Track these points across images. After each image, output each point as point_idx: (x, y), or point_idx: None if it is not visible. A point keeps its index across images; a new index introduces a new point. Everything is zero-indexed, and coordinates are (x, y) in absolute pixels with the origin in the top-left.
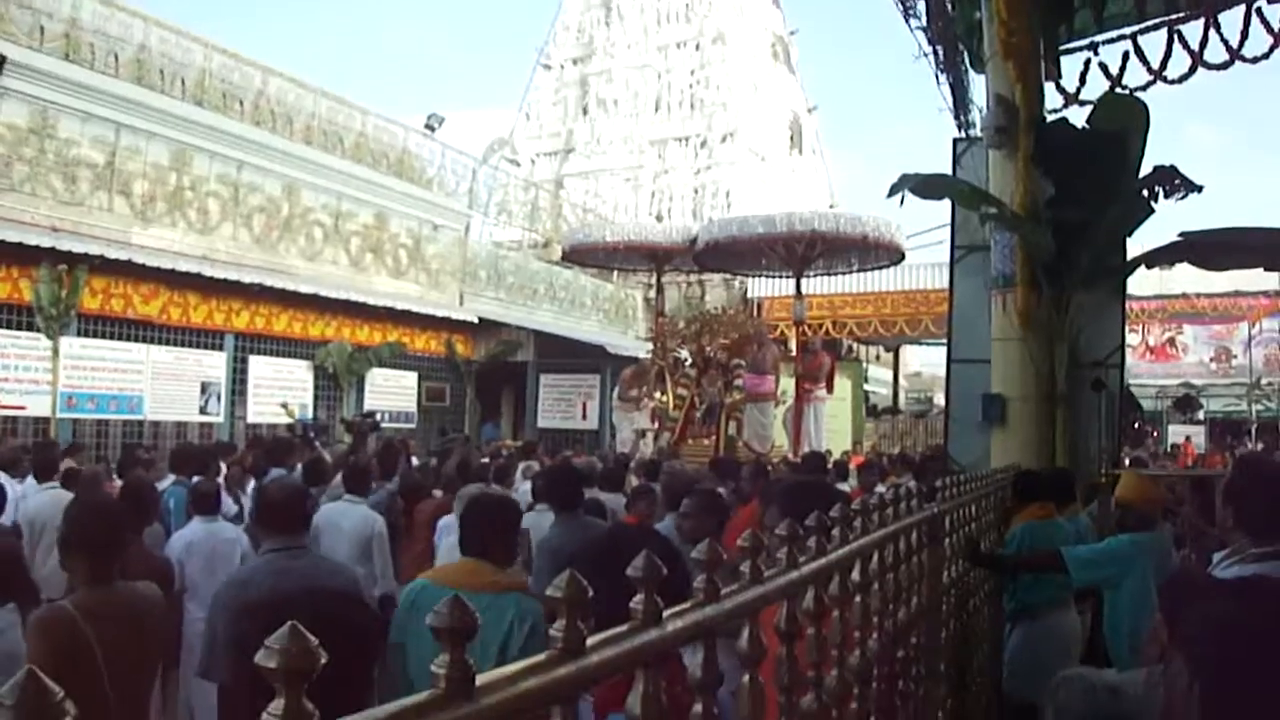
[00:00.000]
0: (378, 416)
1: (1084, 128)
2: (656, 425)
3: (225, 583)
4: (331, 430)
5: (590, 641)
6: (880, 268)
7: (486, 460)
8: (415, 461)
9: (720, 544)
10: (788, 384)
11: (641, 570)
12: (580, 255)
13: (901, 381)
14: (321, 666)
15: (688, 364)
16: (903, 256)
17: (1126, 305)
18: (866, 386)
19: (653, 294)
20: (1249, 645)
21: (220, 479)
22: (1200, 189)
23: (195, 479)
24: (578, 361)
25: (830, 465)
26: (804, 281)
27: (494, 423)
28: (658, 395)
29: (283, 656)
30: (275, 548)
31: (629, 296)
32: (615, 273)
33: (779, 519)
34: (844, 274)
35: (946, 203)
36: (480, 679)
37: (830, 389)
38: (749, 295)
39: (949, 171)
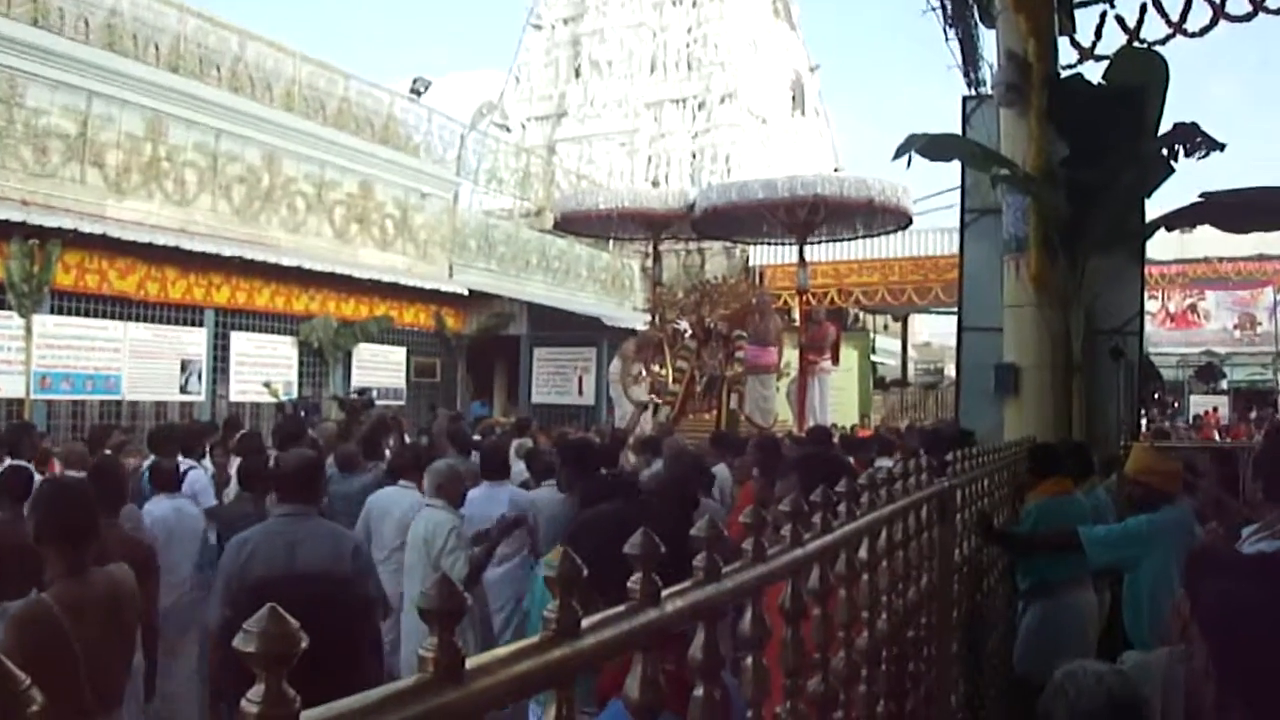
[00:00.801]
0: (372, 394)
1: (1100, 84)
2: (656, 398)
3: (230, 543)
4: (320, 409)
5: (586, 623)
6: (887, 233)
7: (478, 437)
8: (406, 439)
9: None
10: (791, 356)
11: (639, 548)
12: (574, 223)
13: (910, 352)
14: (303, 650)
15: (687, 335)
16: (910, 221)
17: (1145, 270)
18: (874, 358)
19: (650, 263)
20: (1271, 626)
21: (206, 460)
22: (1222, 147)
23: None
24: (573, 334)
25: (836, 439)
26: (807, 249)
27: (483, 400)
28: (655, 368)
29: (261, 640)
30: (284, 513)
31: (625, 266)
32: (611, 241)
33: (794, 490)
34: (849, 240)
35: (956, 165)
36: (471, 662)
37: (836, 360)
38: (750, 264)
39: (959, 132)
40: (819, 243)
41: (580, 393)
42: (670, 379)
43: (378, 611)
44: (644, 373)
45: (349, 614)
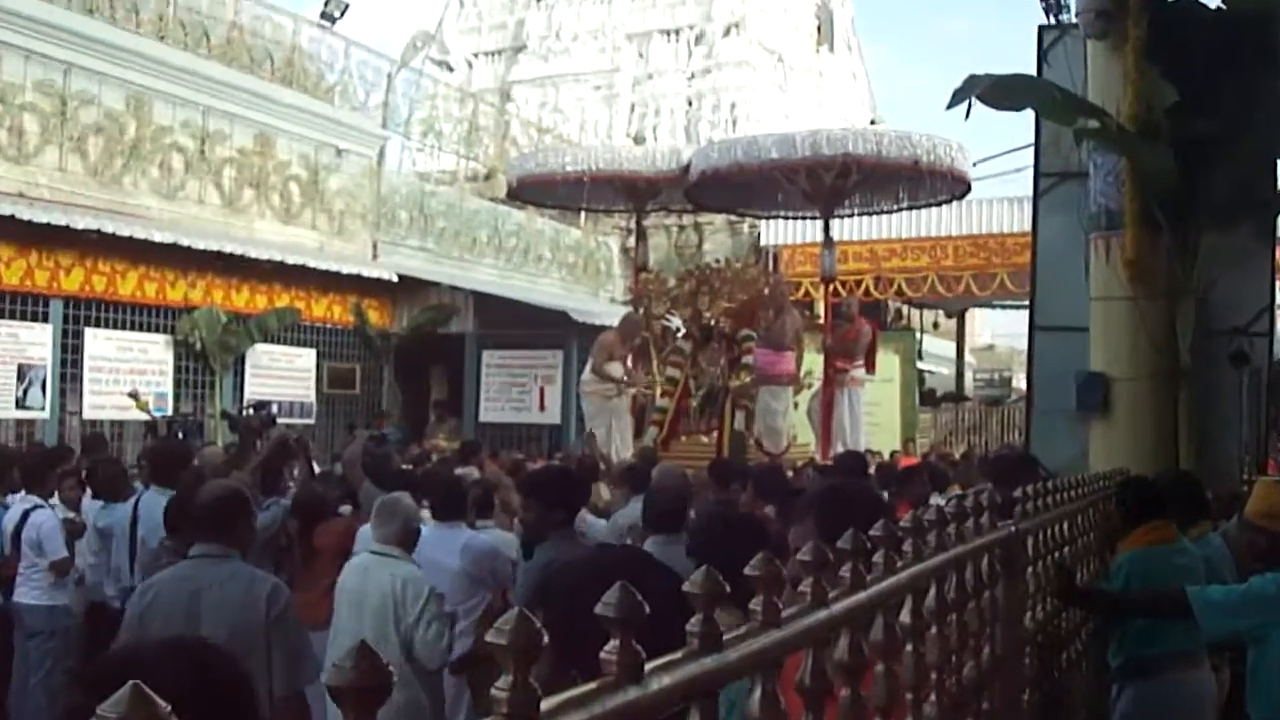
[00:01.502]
0: (273, 409)
1: (1218, 9)
2: (641, 388)
3: (138, 588)
4: (203, 428)
5: (546, 705)
6: (938, 204)
7: (409, 466)
8: (316, 469)
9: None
10: (814, 362)
11: (615, 608)
12: (535, 190)
13: (968, 358)
14: None
15: (679, 335)
16: (968, 189)
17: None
18: (921, 365)
19: (632, 242)
20: None
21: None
22: None
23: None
24: (533, 333)
25: (872, 469)
26: (835, 224)
27: (399, 425)
28: (639, 374)
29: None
30: (197, 554)
31: (601, 246)
32: (583, 214)
33: (811, 536)
34: (889, 213)
35: (1028, 115)
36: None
37: (871, 368)
38: (761, 243)
39: (1033, 72)
40: (851, 216)
41: (542, 407)
42: (658, 391)
43: (265, 684)
44: (628, 380)
45: (209, 692)
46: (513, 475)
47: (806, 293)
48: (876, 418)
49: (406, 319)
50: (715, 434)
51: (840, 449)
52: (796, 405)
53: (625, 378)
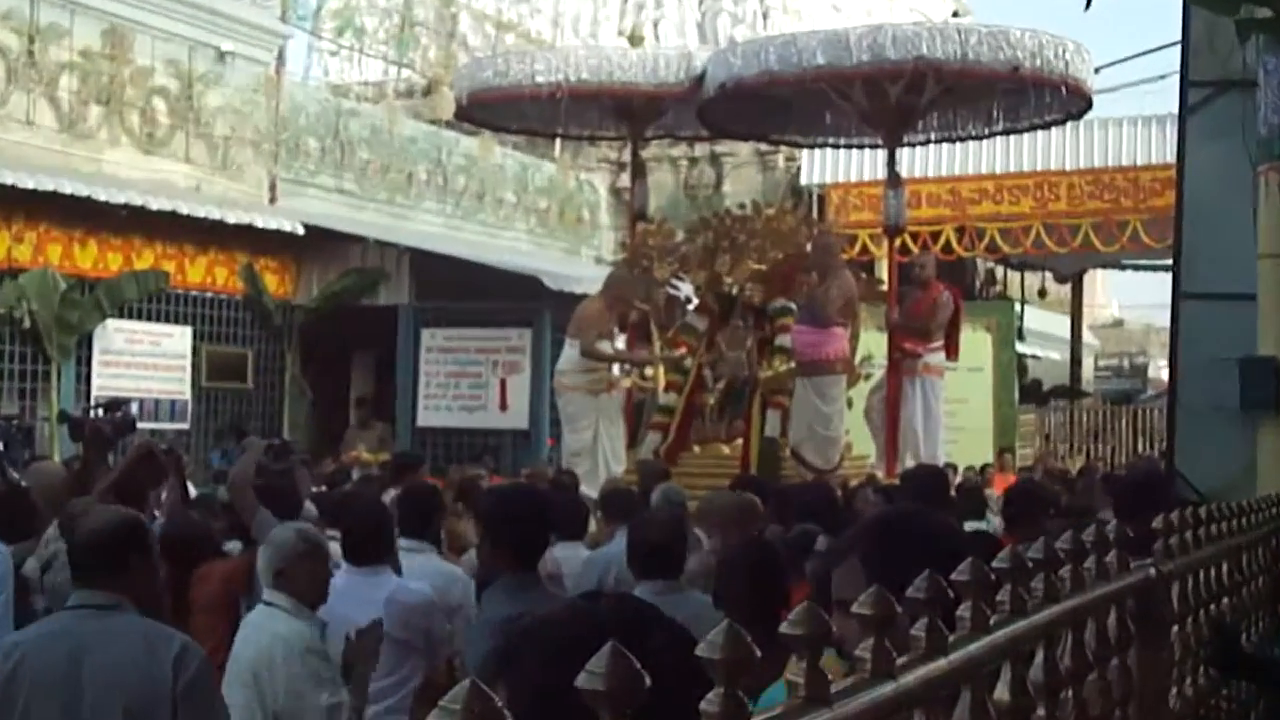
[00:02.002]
0: (131, 409)
1: None
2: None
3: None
4: (34, 434)
5: None
6: (1046, 127)
7: (323, 488)
8: (192, 491)
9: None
10: (874, 344)
11: (605, 678)
12: (493, 110)
13: (1087, 337)
14: None
15: (691, 307)
16: (1089, 105)
17: None
18: (1022, 347)
19: (626, 181)
20: None
21: None
22: None
23: None
24: (492, 306)
25: (954, 489)
26: (904, 155)
27: (317, 428)
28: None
29: None
30: (76, 604)
31: (584, 186)
32: (559, 143)
33: (862, 585)
34: (979, 140)
35: (1173, 2)
36: None
37: (953, 353)
38: (802, 181)
39: None
40: (924, 145)
41: (504, 406)
42: (660, 384)
43: None
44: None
45: None
46: (464, 499)
47: (864, 249)
48: (960, 419)
49: (317, 286)
50: (739, 442)
51: (910, 463)
52: (851, 403)
53: (624, 358)
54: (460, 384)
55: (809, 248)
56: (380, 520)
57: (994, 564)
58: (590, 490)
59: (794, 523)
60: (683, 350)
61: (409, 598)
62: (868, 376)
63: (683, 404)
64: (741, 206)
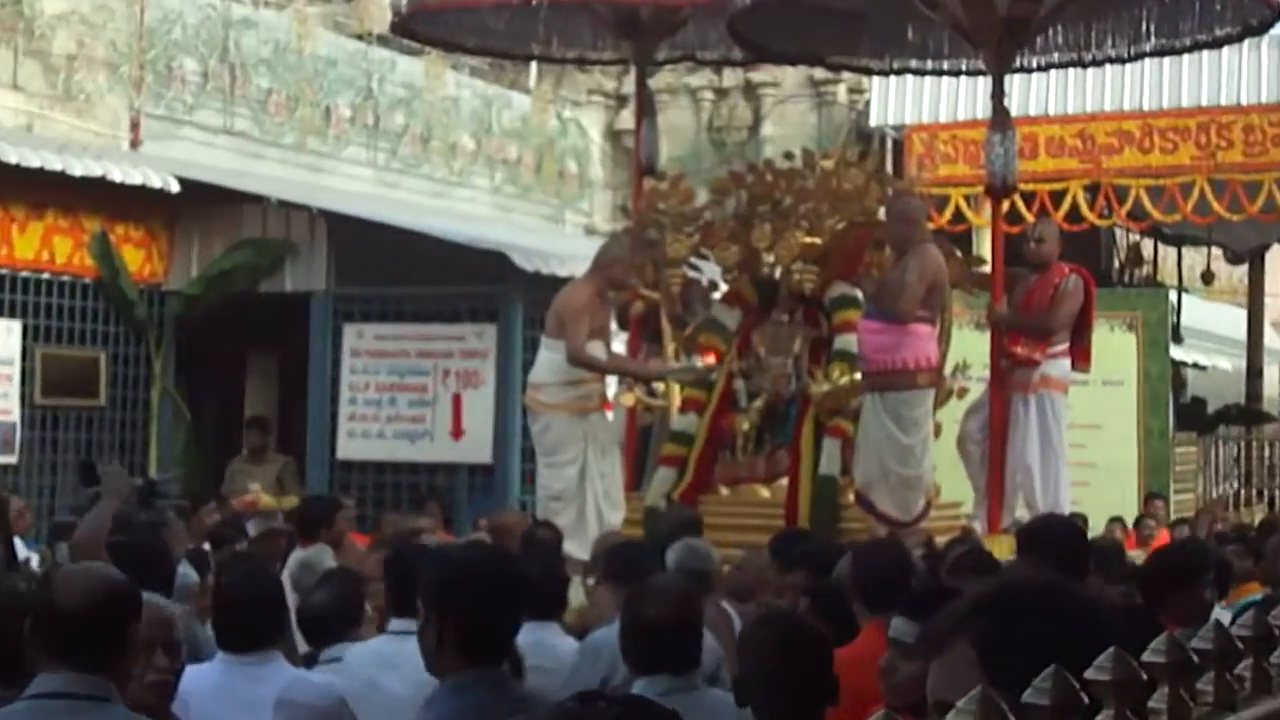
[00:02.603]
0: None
1: None
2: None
3: None
4: None
5: None
6: (1215, 46)
7: (205, 546)
8: (21, 551)
9: None
10: (973, 346)
11: None
12: (443, 21)
13: (1270, 338)
14: None
15: (716, 296)
16: (1276, 16)
17: None
18: (1179, 352)
19: (629, 121)
20: None
21: None
22: None
23: None
24: (442, 293)
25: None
26: (1015, 85)
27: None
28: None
29: None
30: (44, 690)
31: (570, 128)
32: (534, 67)
33: (972, 681)
34: (1118, 65)
35: None
36: None
37: (1083, 359)
38: (871, 122)
39: None
40: (1043, 70)
41: (457, 432)
42: (675, 401)
43: None
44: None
45: None
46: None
47: (958, 215)
48: (1092, 452)
49: (197, 265)
50: (784, 483)
51: (1022, 514)
52: (939, 430)
53: (622, 369)
54: (397, 401)
55: (881, 214)
56: (264, 590)
57: (1145, 657)
58: (576, 549)
59: (865, 597)
60: (708, 359)
61: (308, 696)
62: (963, 393)
63: (705, 429)
64: (788, 157)
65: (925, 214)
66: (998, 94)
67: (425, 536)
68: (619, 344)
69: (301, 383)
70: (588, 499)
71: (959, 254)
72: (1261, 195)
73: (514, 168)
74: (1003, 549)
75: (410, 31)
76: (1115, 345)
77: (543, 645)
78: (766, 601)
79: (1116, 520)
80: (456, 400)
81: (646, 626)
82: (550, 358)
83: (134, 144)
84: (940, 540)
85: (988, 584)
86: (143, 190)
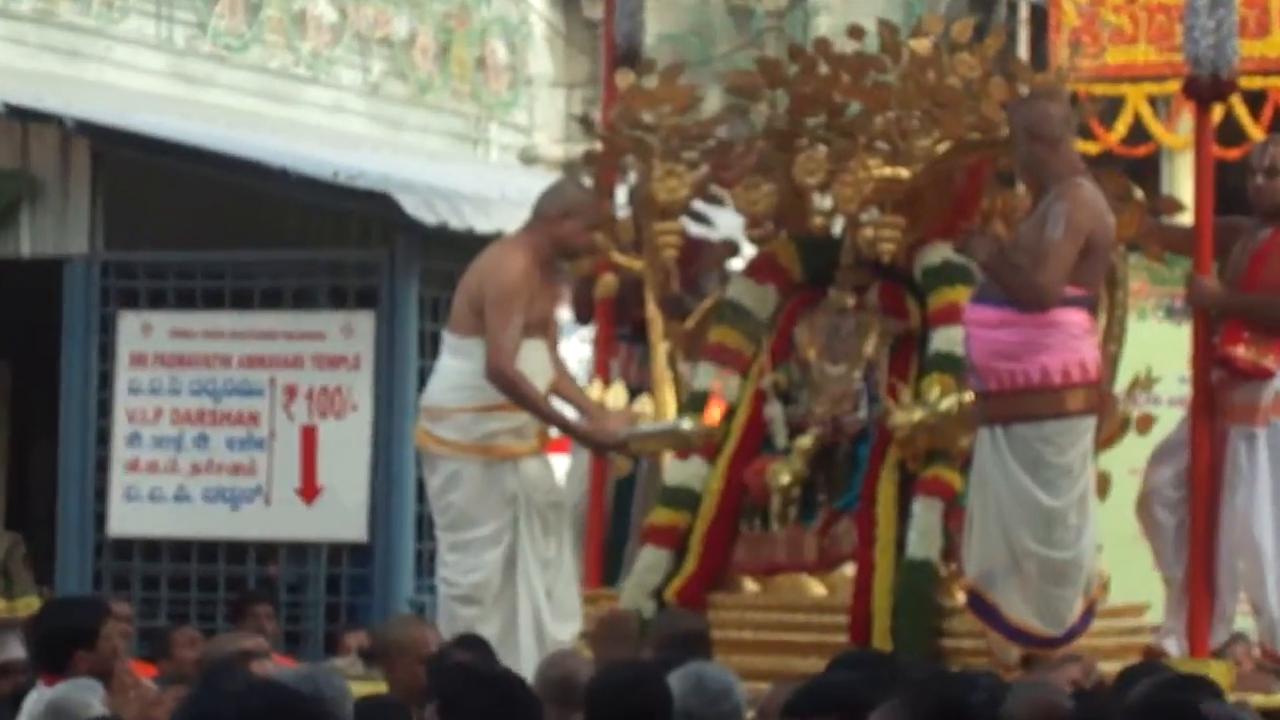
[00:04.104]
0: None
1: None
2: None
3: None
4: None
5: None
6: None
7: None
8: None
9: None
10: (1162, 346)
11: None
12: None
13: None
14: None
15: (736, 264)
16: None
17: None
18: None
19: None
20: None
21: None
22: None
23: None
24: (279, 263)
25: None
26: None
27: None
28: (612, 385)
29: None
30: None
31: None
32: None
33: None
34: None
35: None
36: None
37: None
38: None
39: None
40: None
41: (308, 490)
42: (669, 432)
43: None
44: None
45: None
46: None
47: (1137, 128)
48: None
49: None
50: (849, 571)
51: (1247, 621)
52: (1107, 484)
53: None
54: (209, 440)
55: (1007, 127)
56: None
57: None
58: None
59: None
60: (725, 379)
61: None
62: (1146, 424)
63: (720, 484)
64: (855, 34)
65: (1075, 125)
66: None
67: (256, 664)
68: (577, 344)
69: (47, 409)
70: (520, 602)
71: (1138, 194)
72: None
73: (403, 51)
74: (1217, 678)
75: None
76: None
77: None
78: None
79: None
80: (308, 437)
81: None
82: (459, 368)
83: None
84: (1108, 669)
85: None
86: None
